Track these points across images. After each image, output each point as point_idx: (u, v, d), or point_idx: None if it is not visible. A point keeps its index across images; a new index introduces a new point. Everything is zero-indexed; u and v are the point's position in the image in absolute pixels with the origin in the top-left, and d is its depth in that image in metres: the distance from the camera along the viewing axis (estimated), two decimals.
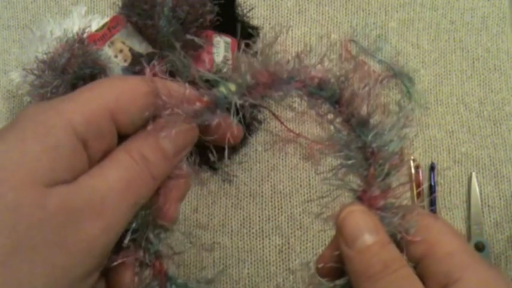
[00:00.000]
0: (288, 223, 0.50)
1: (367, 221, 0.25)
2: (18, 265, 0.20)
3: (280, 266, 0.48)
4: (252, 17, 0.53)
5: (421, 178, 0.50)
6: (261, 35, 0.52)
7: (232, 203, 0.50)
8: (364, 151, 0.25)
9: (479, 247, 0.48)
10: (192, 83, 0.26)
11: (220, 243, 0.49)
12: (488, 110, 0.53)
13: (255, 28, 0.52)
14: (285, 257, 0.49)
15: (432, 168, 0.50)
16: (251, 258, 0.49)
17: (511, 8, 0.56)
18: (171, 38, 0.42)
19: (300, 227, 0.49)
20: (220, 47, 0.47)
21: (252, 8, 0.53)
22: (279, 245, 0.49)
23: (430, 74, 0.54)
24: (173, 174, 0.27)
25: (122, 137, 0.26)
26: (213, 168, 0.50)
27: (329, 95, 0.25)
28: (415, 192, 0.49)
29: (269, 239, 0.49)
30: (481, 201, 0.50)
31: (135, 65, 0.44)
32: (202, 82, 0.25)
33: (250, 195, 0.50)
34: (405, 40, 0.55)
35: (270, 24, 0.55)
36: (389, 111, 0.25)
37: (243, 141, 0.51)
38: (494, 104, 0.53)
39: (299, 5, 0.56)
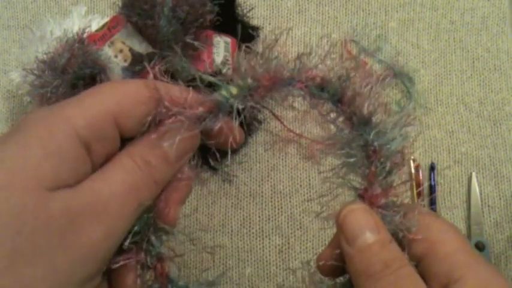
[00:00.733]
0: (288, 223, 0.50)
1: (369, 219, 0.24)
2: (22, 268, 0.20)
3: (280, 266, 0.48)
4: (252, 17, 0.53)
5: (421, 178, 0.50)
6: (261, 35, 0.52)
7: (232, 203, 0.50)
8: (366, 149, 0.25)
9: (479, 247, 0.48)
10: (192, 83, 0.26)
11: (221, 243, 0.49)
12: (488, 110, 0.53)
13: (255, 28, 0.52)
14: (285, 257, 0.49)
15: (432, 168, 0.50)
16: (251, 258, 0.49)
17: (511, 8, 0.56)
18: (171, 39, 0.42)
19: (300, 227, 0.49)
20: (220, 47, 0.47)
21: (252, 8, 0.53)
22: (279, 245, 0.49)
23: (430, 74, 0.54)
24: (175, 177, 0.27)
25: (124, 140, 0.26)
26: (213, 168, 0.50)
27: (331, 94, 0.25)
28: (415, 192, 0.49)
29: (269, 239, 0.49)
30: (481, 201, 0.50)
31: (135, 65, 0.44)
32: (203, 85, 0.25)
33: (250, 195, 0.50)
34: (405, 40, 0.55)
35: (270, 24, 0.55)
36: (391, 110, 0.25)
37: (243, 141, 0.51)
38: (494, 104, 0.53)
39: (299, 5, 0.56)
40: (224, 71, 0.46)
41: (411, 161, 0.50)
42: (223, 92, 0.25)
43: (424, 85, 0.53)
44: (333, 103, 0.26)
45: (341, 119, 0.26)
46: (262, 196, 0.50)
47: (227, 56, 0.47)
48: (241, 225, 0.50)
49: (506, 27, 0.55)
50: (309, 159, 0.51)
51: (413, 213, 0.25)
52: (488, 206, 0.50)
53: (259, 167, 0.51)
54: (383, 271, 0.23)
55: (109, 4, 0.56)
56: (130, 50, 0.45)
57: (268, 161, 0.51)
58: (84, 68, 0.41)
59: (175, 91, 0.26)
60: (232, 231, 0.49)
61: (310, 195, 0.50)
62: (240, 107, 0.25)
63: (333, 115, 0.26)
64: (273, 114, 0.51)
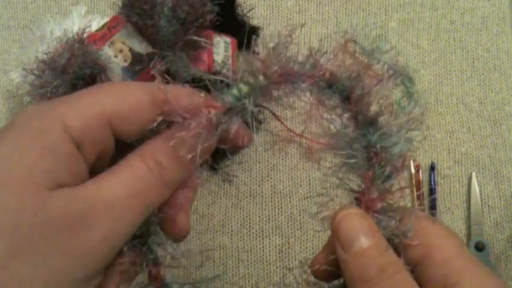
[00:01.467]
0: (288, 223, 0.49)
1: (364, 224, 0.24)
2: (20, 267, 0.20)
3: (280, 266, 0.48)
4: (252, 17, 0.53)
5: (421, 178, 0.50)
6: (261, 35, 0.52)
7: (232, 203, 0.50)
8: (368, 151, 0.25)
9: (479, 247, 0.48)
10: (191, 82, 0.26)
11: (221, 243, 0.49)
12: (488, 110, 0.53)
13: (255, 28, 0.52)
14: (285, 257, 0.49)
15: (432, 168, 0.50)
16: (251, 258, 0.49)
17: (511, 8, 0.56)
18: (171, 39, 0.42)
19: (300, 227, 0.49)
20: (220, 47, 0.47)
21: (252, 8, 0.53)
22: (279, 245, 0.49)
23: (430, 74, 0.54)
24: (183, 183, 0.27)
25: (125, 143, 0.26)
26: (213, 168, 0.50)
27: (339, 90, 0.25)
28: (415, 192, 0.49)
29: (269, 239, 0.49)
30: (481, 201, 0.50)
31: (135, 65, 0.44)
32: (210, 84, 0.24)
33: (250, 195, 0.50)
34: (405, 40, 0.55)
35: (270, 24, 0.55)
36: (397, 112, 0.25)
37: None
38: (494, 104, 0.53)
39: (299, 5, 0.56)
40: (224, 71, 0.46)
41: (411, 161, 0.50)
42: (234, 92, 0.24)
43: (424, 85, 0.53)
44: (341, 100, 0.25)
45: (346, 116, 0.26)
46: (262, 196, 0.50)
47: (227, 56, 0.47)
48: (241, 225, 0.50)
49: (506, 27, 0.55)
50: (309, 159, 0.51)
51: (409, 217, 0.25)
52: (488, 206, 0.50)
53: (259, 167, 0.51)
54: (378, 276, 0.23)
55: (109, 4, 0.56)
56: (130, 50, 0.45)
57: (268, 161, 0.51)
58: (84, 68, 0.41)
59: (184, 95, 0.25)
60: (232, 231, 0.49)
61: (310, 195, 0.50)
62: (255, 109, 0.24)
63: (339, 111, 0.26)
64: (273, 114, 0.51)
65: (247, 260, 0.49)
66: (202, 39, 0.41)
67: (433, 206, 0.50)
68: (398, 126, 0.25)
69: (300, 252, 0.49)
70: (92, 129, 0.24)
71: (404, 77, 0.53)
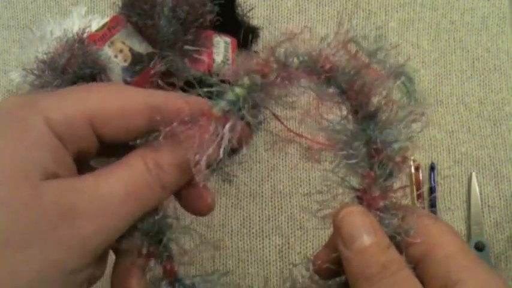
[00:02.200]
0: (288, 223, 0.49)
1: (366, 221, 0.24)
2: (12, 258, 0.20)
3: (280, 266, 0.48)
4: (252, 17, 0.53)
5: (421, 178, 0.50)
6: (261, 35, 0.52)
7: (232, 203, 0.50)
8: (368, 148, 0.25)
9: (479, 247, 0.48)
10: (190, 83, 0.26)
11: (220, 243, 0.49)
12: (488, 110, 0.53)
13: (255, 28, 0.52)
14: (285, 257, 0.49)
15: (432, 168, 0.50)
16: (251, 258, 0.49)
17: (511, 8, 0.56)
18: (171, 39, 0.42)
19: (300, 227, 0.49)
20: (220, 47, 0.47)
21: (252, 8, 0.53)
22: (279, 245, 0.49)
23: (430, 74, 0.54)
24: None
25: (123, 145, 0.26)
26: (213, 168, 0.50)
27: (338, 84, 0.25)
28: (415, 192, 0.49)
29: (269, 239, 0.49)
30: (481, 201, 0.50)
31: (135, 65, 0.44)
32: (209, 89, 0.24)
33: (250, 195, 0.50)
34: (405, 40, 0.55)
35: (270, 24, 0.55)
36: (397, 107, 0.25)
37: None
38: (494, 104, 0.53)
39: (299, 5, 0.56)
40: (224, 71, 0.46)
41: (411, 161, 0.50)
42: (230, 96, 0.24)
43: (424, 85, 0.53)
44: (341, 92, 0.25)
45: (345, 109, 0.25)
46: (262, 196, 0.50)
47: (227, 56, 0.47)
48: (241, 225, 0.50)
49: (506, 27, 0.55)
50: (309, 159, 0.51)
51: (411, 215, 0.25)
52: (488, 206, 0.50)
53: (259, 167, 0.51)
54: (380, 273, 0.23)
55: (109, 4, 0.56)
56: (130, 50, 0.45)
57: (268, 161, 0.51)
58: (84, 68, 0.41)
59: (179, 102, 0.25)
60: (232, 231, 0.49)
61: (310, 193, 0.50)
62: (251, 118, 0.24)
63: (337, 102, 0.25)
64: (273, 114, 0.51)
65: (247, 260, 0.49)
66: (195, 49, 0.41)
67: (433, 206, 0.50)
68: (398, 120, 0.25)
69: (300, 252, 0.49)
70: (74, 126, 0.23)
71: (404, 76, 0.53)
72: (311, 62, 0.24)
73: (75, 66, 0.41)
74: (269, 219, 0.50)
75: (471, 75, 0.54)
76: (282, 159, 0.51)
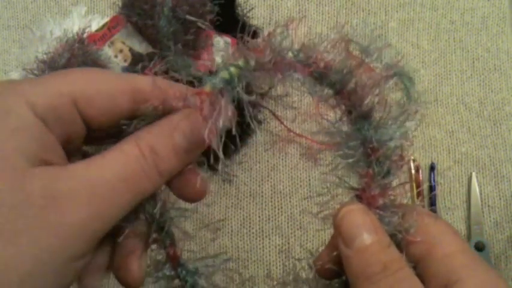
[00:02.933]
0: (288, 223, 0.49)
1: (366, 220, 0.24)
2: (3, 248, 0.20)
3: (280, 266, 0.48)
4: (252, 17, 0.53)
5: (421, 178, 0.50)
6: (261, 33, 0.52)
7: (232, 203, 0.50)
8: (364, 147, 0.25)
9: (479, 247, 0.48)
10: (190, 83, 0.26)
11: (220, 243, 0.49)
12: (488, 110, 0.53)
13: (255, 28, 0.52)
14: (285, 257, 0.49)
15: (432, 168, 0.50)
16: (251, 258, 0.49)
17: (511, 8, 0.56)
18: (171, 39, 0.42)
19: (300, 227, 0.49)
20: (220, 47, 0.47)
21: (252, 8, 0.53)
22: (279, 245, 0.49)
23: (430, 74, 0.54)
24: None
25: (111, 133, 0.25)
26: (213, 168, 0.50)
27: (332, 83, 0.25)
28: (415, 192, 0.49)
29: (269, 239, 0.49)
30: (481, 201, 0.50)
31: (135, 65, 0.44)
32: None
33: (250, 195, 0.50)
34: (405, 40, 0.55)
35: (270, 24, 0.55)
36: (391, 106, 0.25)
37: (243, 141, 0.51)
38: (494, 104, 0.53)
39: (299, 5, 0.56)
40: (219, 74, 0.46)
41: (411, 161, 0.50)
42: (225, 75, 0.24)
43: (424, 85, 0.53)
44: (334, 92, 0.25)
45: (339, 109, 0.25)
46: (262, 196, 0.50)
47: (227, 56, 0.47)
48: (241, 225, 0.50)
49: (506, 27, 0.55)
50: (309, 159, 0.51)
51: (411, 214, 0.25)
52: (488, 206, 0.50)
53: (259, 167, 0.51)
54: (381, 273, 0.23)
55: (109, 4, 0.56)
56: (130, 50, 0.45)
57: (268, 161, 0.51)
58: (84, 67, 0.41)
59: (171, 85, 0.25)
60: (232, 231, 0.49)
61: (310, 195, 0.50)
62: (249, 80, 0.23)
63: (332, 103, 0.25)
64: (273, 114, 0.51)
65: (247, 260, 0.49)
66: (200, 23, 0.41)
67: (432, 206, 0.49)
68: (392, 118, 0.25)
69: (300, 252, 0.49)
70: (57, 108, 0.23)
71: (404, 77, 0.53)
72: (305, 56, 0.24)
73: (75, 66, 0.41)
74: (269, 219, 0.50)
75: (471, 75, 0.54)
76: (282, 159, 0.51)
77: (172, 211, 0.28)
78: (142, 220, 0.27)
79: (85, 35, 0.43)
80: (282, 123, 0.51)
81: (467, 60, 0.54)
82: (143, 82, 0.25)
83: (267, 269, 0.48)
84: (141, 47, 0.45)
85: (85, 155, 0.26)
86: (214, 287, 0.29)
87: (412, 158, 0.50)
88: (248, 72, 0.24)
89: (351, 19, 0.55)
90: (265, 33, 0.53)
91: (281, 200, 0.50)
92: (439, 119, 0.52)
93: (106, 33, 0.45)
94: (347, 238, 0.24)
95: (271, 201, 0.50)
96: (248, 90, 0.24)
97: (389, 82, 0.25)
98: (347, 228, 0.24)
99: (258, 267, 0.48)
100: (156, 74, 0.26)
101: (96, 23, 0.47)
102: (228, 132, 0.26)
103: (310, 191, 0.50)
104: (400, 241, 0.25)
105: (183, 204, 0.28)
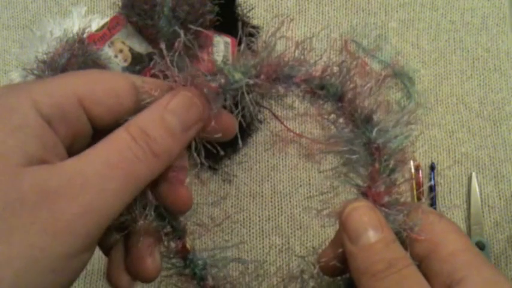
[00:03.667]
0: (288, 223, 0.49)
1: (372, 217, 0.24)
2: None
3: (280, 266, 0.48)
4: (252, 17, 0.53)
5: (421, 178, 0.50)
6: (261, 33, 0.52)
7: (232, 203, 0.50)
8: (369, 147, 0.25)
9: (479, 247, 0.48)
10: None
11: (221, 243, 0.49)
12: (488, 110, 0.53)
13: (255, 28, 0.52)
14: (285, 257, 0.49)
15: (432, 168, 0.50)
16: (251, 258, 0.49)
17: (511, 8, 0.56)
18: (171, 39, 0.42)
19: (300, 227, 0.49)
20: (220, 47, 0.47)
21: (252, 8, 0.53)
22: (279, 245, 0.49)
23: (430, 74, 0.54)
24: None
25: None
26: (213, 168, 0.50)
27: (331, 91, 0.25)
28: (415, 192, 0.49)
29: (269, 239, 0.49)
30: (481, 201, 0.50)
31: (135, 65, 0.44)
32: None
33: (250, 195, 0.50)
34: (405, 40, 0.55)
35: (268, 23, 0.55)
36: (392, 108, 0.25)
37: (243, 141, 0.51)
38: (494, 104, 0.53)
39: (299, 5, 0.56)
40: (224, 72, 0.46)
41: (411, 161, 0.50)
42: (228, 75, 0.24)
43: (424, 85, 0.53)
44: (334, 101, 0.25)
45: (341, 120, 0.26)
46: (262, 196, 0.50)
47: (227, 56, 0.47)
48: (241, 225, 0.50)
49: (506, 27, 0.55)
50: (309, 159, 0.51)
51: (417, 212, 0.25)
52: (488, 206, 0.50)
53: (259, 167, 0.51)
54: (386, 270, 0.23)
55: (109, 4, 0.56)
56: (130, 50, 0.45)
57: (268, 161, 0.51)
58: (84, 68, 0.41)
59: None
60: (232, 231, 0.49)
61: (311, 194, 0.50)
62: (248, 83, 0.24)
63: (333, 115, 0.26)
64: (273, 114, 0.51)
65: (247, 260, 0.49)
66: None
67: (433, 205, 0.50)
68: (394, 121, 0.25)
69: (300, 252, 0.49)
70: (63, 107, 0.23)
71: (404, 77, 0.53)
72: (301, 73, 0.24)
73: (75, 66, 0.41)
74: (269, 219, 0.50)
75: (471, 75, 0.54)
76: (282, 159, 0.51)
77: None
78: (152, 216, 0.26)
79: (85, 35, 0.43)
80: (282, 123, 0.51)
81: (467, 60, 0.54)
82: (147, 79, 0.26)
83: (267, 269, 0.48)
84: (141, 47, 0.45)
85: None
86: (223, 280, 0.30)
87: (412, 158, 0.50)
88: (248, 77, 0.24)
89: (351, 19, 0.55)
90: (265, 32, 0.53)
91: (281, 200, 0.50)
92: (439, 119, 0.52)
93: (106, 33, 0.45)
94: (352, 235, 0.24)
95: (271, 201, 0.50)
96: (249, 91, 0.24)
97: (387, 82, 0.26)
98: (353, 225, 0.24)
99: (258, 267, 0.48)
100: (154, 75, 0.26)
101: (96, 23, 0.47)
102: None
103: (310, 191, 0.50)
104: (404, 239, 0.25)
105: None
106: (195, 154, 0.26)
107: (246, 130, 0.50)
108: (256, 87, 0.24)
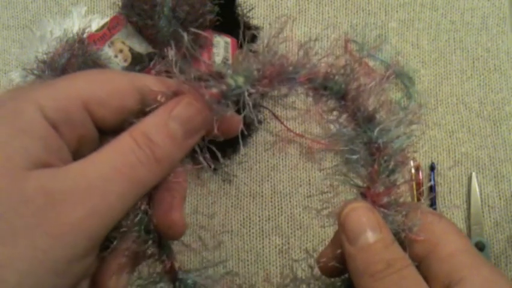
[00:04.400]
0: (288, 223, 0.49)
1: (371, 218, 0.24)
2: (1, 248, 0.20)
3: (280, 266, 0.48)
4: (252, 17, 0.53)
5: (421, 178, 0.50)
6: (261, 33, 0.52)
7: (232, 203, 0.50)
8: (369, 147, 0.25)
9: (479, 247, 0.48)
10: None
11: (220, 243, 0.49)
12: (488, 110, 0.53)
13: (255, 28, 0.52)
14: (285, 257, 0.49)
15: (432, 168, 0.50)
16: (251, 258, 0.49)
17: (511, 8, 0.56)
18: (171, 39, 0.42)
19: (300, 227, 0.49)
20: (220, 47, 0.47)
21: (252, 8, 0.53)
22: (279, 245, 0.49)
23: (430, 74, 0.54)
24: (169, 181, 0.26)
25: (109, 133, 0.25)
26: (213, 168, 0.50)
27: (335, 90, 0.25)
28: (415, 192, 0.49)
29: (269, 239, 0.49)
30: (481, 201, 0.50)
31: (135, 65, 0.44)
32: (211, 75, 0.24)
33: (250, 195, 0.50)
34: (405, 40, 0.55)
35: (270, 24, 0.55)
36: (395, 107, 0.25)
37: (243, 141, 0.51)
38: (494, 104, 0.53)
39: (299, 5, 0.56)
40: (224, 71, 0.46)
41: (411, 161, 0.50)
42: (230, 81, 0.24)
43: (424, 85, 0.53)
44: (337, 99, 0.25)
45: (344, 116, 0.26)
46: (262, 196, 0.50)
47: (227, 56, 0.47)
48: (241, 225, 0.50)
49: (506, 27, 0.55)
50: (309, 159, 0.51)
51: (416, 212, 0.25)
52: (488, 206, 0.50)
53: (259, 167, 0.51)
54: (385, 270, 0.23)
55: (109, 4, 0.56)
56: (130, 50, 0.45)
57: (268, 161, 0.51)
58: (84, 68, 0.41)
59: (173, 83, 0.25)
60: (232, 231, 0.49)
61: (311, 194, 0.50)
62: (251, 90, 0.23)
63: (335, 113, 0.26)
64: (273, 114, 0.51)
65: (247, 260, 0.49)
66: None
67: (433, 205, 0.50)
68: (397, 120, 0.25)
69: (300, 252, 0.49)
70: (68, 111, 0.23)
71: (404, 77, 0.53)
72: (304, 71, 0.24)
73: (75, 66, 0.41)
74: (269, 219, 0.50)
75: (471, 75, 0.54)
76: (282, 159, 0.51)
77: None
78: (134, 234, 0.26)
79: (85, 35, 0.43)
80: (282, 123, 0.51)
81: (467, 60, 0.54)
82: (146, 79, 0.26)
83: (267, 269, 0.48)
84: (141, 47, 0.45)
85: None
86: None
87: (412, 158, 0.50)
88: (251, 81, 0.24)
89: (351, 19, 0.55)
90: (270, 23, 0.53)
91: (281, 200, 0.50)
92: (439, 119, 0.52)
93: (106, 33, 0.45)
94: (351, 236, 0.24)
95: (271, 201, 0.50)
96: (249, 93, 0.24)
97: (389, 82, 0.25)
98: (351, 226, 0.24)
99: (258, 267, 0.48)
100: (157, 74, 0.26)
101: (96, 23, 0.47)
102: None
103: (310, 191, 0.50)
104: (403, 240, 0.25)
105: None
106: (200, 158, 0.26)
107: (246, 130, 0.50)
108: (260, 90, 0.24)
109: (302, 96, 0.26)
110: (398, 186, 0.25)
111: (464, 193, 0.50)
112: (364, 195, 0.26)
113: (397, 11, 0.56)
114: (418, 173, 0.50)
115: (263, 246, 0.49)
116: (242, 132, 0.27)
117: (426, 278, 0.24)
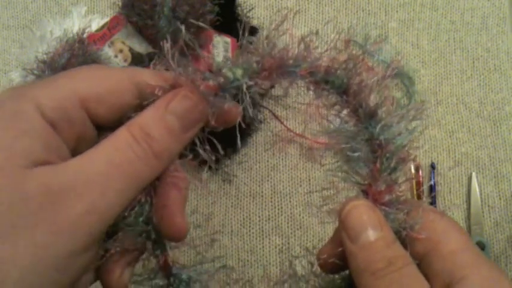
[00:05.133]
0: (288, 223, 0.49)
1: (372, 216, 0.24)
2: (2, 245, 0.20)
3: (280, 266, 0.48)
4: (252, 17, 0.53)
5: (421, 178, 0.50)
6: (261, 32, 0.52)
7: (232, 203, 0.50)
8: (371, 143, 0.25)
9: (479, 247, 0.48)
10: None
11: (220, 243, 0.49)
12: (488, 110, 0.53)
13: (255, 28, 0.52)
14: (285, 257, 0.49)
15: (432, 168, 0.50)
16: (251, 258, 0.49)
17: (511, 8, 0.56)
18: (171, 39, 0.42)
19: (300, 227, 0.49)
20: (220, 47, 0.47)
21: (252, 8, 0.53)
22: (279, 245, 0.49)
23: (430, 74, 0.54)
24: (169, 175, 0.26)
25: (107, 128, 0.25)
26: (213, 167, 0.50)
27: (336, 84, 0.25)
28: (415, 192, 0.49)
29: (269, 239, 0.49)
30: (481, 201, 0.50)
31: (135, 65, 0.44)
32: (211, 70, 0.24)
33: (250, 195, 0.50)
34: (405, 40, 0.55)
35: (270, 24, 0.55)
36: (397, 104, 0.25)
37: (243, 141, 0.51)
38: (494, 104, 0.53)
39: (299, 5, 0.56)
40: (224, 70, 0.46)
41: (411, 160, 0.50)
42: (228, 73, 0.24)
43: (424, 85, 0.53)
44: (338, 94, 0.25)
45: (345, 111, 0.25)
46: (262, 196, 0.50)
47: (227, 56, 0.47)
48: (241, 225, 0.50)
49: (506, 27, 0.55)
50: (309, 158, 0.51)
51: (417, 210, 0.25)
52: (488, 206, 0.50)
53: (259, 167, 0.51)
54: (386, 268, 0.23)
55: (109, 4, 0.56)
56: (130, 50, 0.45)
57: (268, 161, 0.51)
58: None
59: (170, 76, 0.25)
60: (232, 231, 0.49)
61: (312, 190, 0.50)
62: (249, 83, 0.23)
63: (337, 107, 0.26)
64: (273, 114, 0.51)
65: (247, 260, 0.49)
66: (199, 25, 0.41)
67: (432, 205, 0.50)
68: (399, 117, 0.25)
69: (300, 252, 0.49)
70: (65, 110, 0.23)
71: (404, 77, 0.53)
72: (305, 64, 0.24)
73: (75, 66, 0.41)
74: (269, 219, 0.50)
75: (471, 75, 0.54)
76: (282, 159, 0.51)
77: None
78: (131, 231, 0.26)
79: (85, 35, 0.43)
80: (282, 123, 0.51)
81: (467, 60, 0.54)
82: (147, 74, 0.26)
83: (267, 269, 0.48)
84: (141, 47, 0.45)
85: None
86: None
87: (412, 158, 0.50)
88: (251, 73, 0.24)
89: (351, 19, 0.55)
90: (267, 27, 0.53)
91: (281, 200, 0.50)
92: (439, 119, 0.52)
93: (106, 33, 0.45)
94: (352, 233, 0.24)
95: (271, 201, 0.50)
96: (249, 91, 0.24)
97: (390, 79, 0.25)
98: (352, 224, 0.24)
99: (258, 267, 0.48)
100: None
101: (96, 23, 0.47)
102: (228, 133, 0.26)
103: (310, 190, 0.50)
104: (404, 238, 0.25)
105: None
106: (199, 150, 0.26)
107: (246, 130, 0.50)
108: (259, 83, 0.24)
109: (303, 91, 0.25)
110: (400, 184, 0.25)
111: (464, 193, 0.50)
112: (365, 192, 0.26)
113: (397, 11, 0.56)
114: (418, 173, 0.50)
115: (263, 246, 0.49)
116: (242, 130, 0.27)
117: (427, 276, 0.24)
